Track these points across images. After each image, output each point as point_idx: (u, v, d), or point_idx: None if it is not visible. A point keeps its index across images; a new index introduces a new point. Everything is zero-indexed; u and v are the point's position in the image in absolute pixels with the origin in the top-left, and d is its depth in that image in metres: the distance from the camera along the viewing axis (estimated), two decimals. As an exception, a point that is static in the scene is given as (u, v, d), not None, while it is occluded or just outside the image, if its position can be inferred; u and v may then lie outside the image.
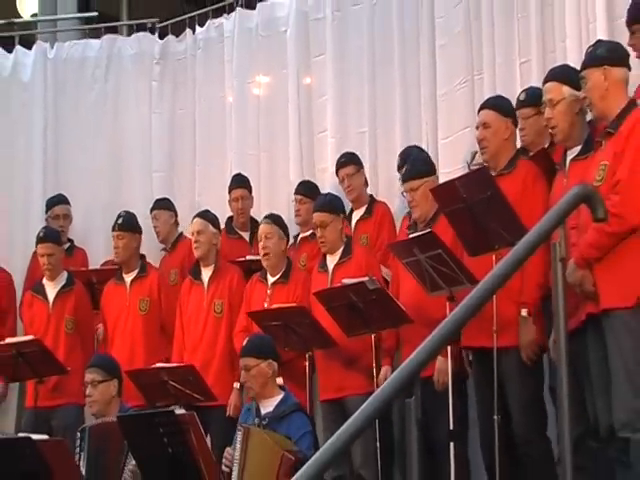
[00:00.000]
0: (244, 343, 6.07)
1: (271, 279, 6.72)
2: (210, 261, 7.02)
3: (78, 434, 5.81)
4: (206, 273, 7.02)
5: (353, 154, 7.35)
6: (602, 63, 4.86)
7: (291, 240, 7.18)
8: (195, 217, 7.15)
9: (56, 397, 7.18)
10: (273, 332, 6.19)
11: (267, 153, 8.32)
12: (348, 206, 7.16)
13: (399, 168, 6.78)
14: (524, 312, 5.38)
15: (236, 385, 6.61)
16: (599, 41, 5.24)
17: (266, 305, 6.56)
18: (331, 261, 6.49)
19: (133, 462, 5.43)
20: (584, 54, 5.13)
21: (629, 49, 5.30)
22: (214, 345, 6.87)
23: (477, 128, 5.78)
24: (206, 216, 7.14)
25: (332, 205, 6.57)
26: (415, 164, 6.18)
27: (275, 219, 6.80)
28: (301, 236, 7.37)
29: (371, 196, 7.32)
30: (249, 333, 6.45)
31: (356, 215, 7.18)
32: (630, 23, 5.43)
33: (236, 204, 7.80)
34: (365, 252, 6.62)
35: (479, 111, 5.84)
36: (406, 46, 7.68)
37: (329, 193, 6.91)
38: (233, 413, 6.57)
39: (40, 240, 7.51)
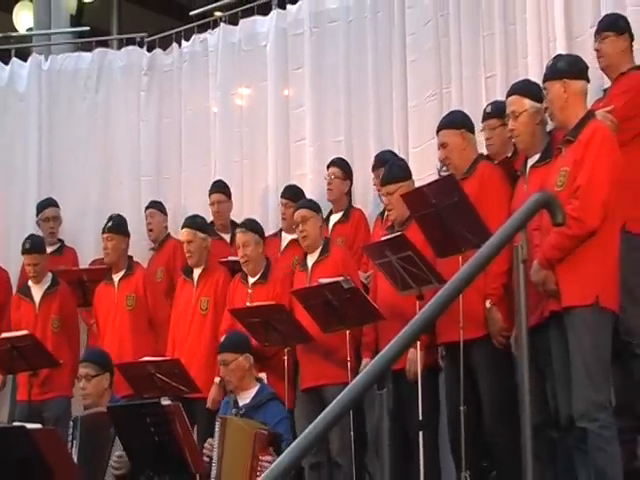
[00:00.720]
0: (222, 340, 6.12)
1: (251, 280, 6.74)
2: (202, 263, 7.05)
3: (71, 423, 5.82)
4: (196, 272, 7.06)
5: (346, 162, 7.38)
6: (562, 76, 4.90)
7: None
8: (183, 227, 7.15)
9: (46, 391, 7.20)
10: (254, 328, 6.22)
11: (249, 160, 8.34)
12: (325, 213, 7.18)
13: (373, 168, 6.86)
14: (488, 303, 5.40)
15: (216, 380, 6.61)
16: (559, 55, 5.30)
17: (248, 304, 6.58)
18: (310, 260, 6.52)
19: (118, 452, 5.43)
20: (545, 68, 5.17)
21: (591, 58, 5.34)
22: (199, 341, 6.88)
23: (438, 149, 5.83)
24: (194, 224, 7.13)
25: (312, 203, 6.67)
26: (392, 169, 6.22)
27: (250, 226, 6.79)
28: (289, 238, 7.34)
29: (350, 202, 7.34)
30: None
31: (334, 218, 7.20)
32: (602, 30, 5.43)
33: (213, 208, 7.84)
34: (342, 251, 6.64)
35: (437, 132, 5.86)
36: (379, 61, 7.72)
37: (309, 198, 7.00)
38: (212, 406, 6.57)
39: (25, 251, 7.54)
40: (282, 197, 7.46)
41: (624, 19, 5.49)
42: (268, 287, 6.67)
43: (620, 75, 5.36)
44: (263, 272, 6.73)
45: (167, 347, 6.97)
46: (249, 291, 6.70)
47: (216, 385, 6.62)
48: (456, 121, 5.82)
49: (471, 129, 5.80)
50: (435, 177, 6.29)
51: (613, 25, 5.43)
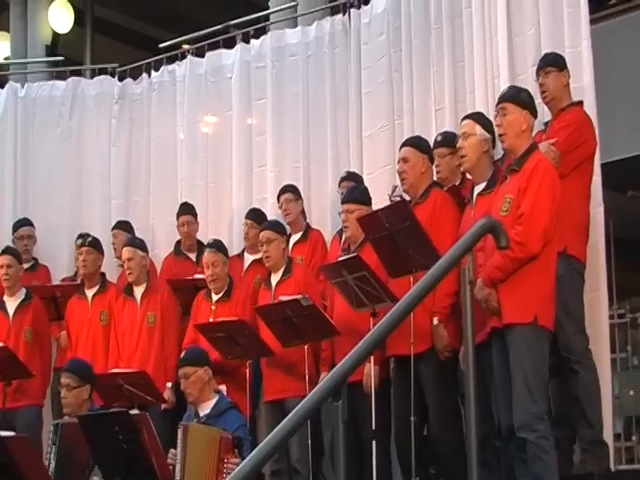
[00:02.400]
0: (182, 355, 6.12)
1: (215, 297, 6.76)
2: (142, 280, 7.09)
3: (51, 427, 5.78)
4: (139, 290, 7.09)
5: (294, 186, 7.44)
6: (526, 107, 4.99)
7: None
8: (124, 246, 7.20)
9: (19, 399, 7.10)
10: (218, 343, 6.23)
11: (214, 184, 8.33)
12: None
13: (341, 181, 6.97)
14: (435, 320, 5.45)
15: (169, 384, 6.74)
16: (517, 86, 5.37)
17: (211, 319, 6.58)
18: (274, 279, 6.54)
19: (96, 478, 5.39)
20: (505, 91, 5.21)
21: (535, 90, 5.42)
22: (149, 352, 6.93)
23: (398, 162, 5.90)
24: (133, 243, 7.22)
25: (277, 226, 6.70)
26: (355, 191, 6.28)
27: (218, 247, 6.81)
28: (252, 259, 7.37)
29: (307, 223, 7.38)
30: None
31: (293, 239, 7.21)
32: (546, 65, 5.52)
33: (182, 229, 7.84)
34: (304, 271, 6.65)
35: (400, 148, 5.96)
36: (336, 93, 7.79)
37: (275, 219, 7.02)
38: (168, 406, 6.67)
39: (1, 253, 7.48)
40: (246, 218, 7.47)
41: (563, 58, 5.59)
42: (231, 305, 6.69)
43: (561, 110, 5.43)
44: (226, 290, 6.75)
45: (109, 362, 6.97)
46: (213, 307, 6.71)
47: (169, 389, 6.74)
48: (423, 145, 5.90)
49: (432, 159, 5.87)
50: (385, 202, 6.35)
51: (555, 61, 5.53)
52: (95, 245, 7.37)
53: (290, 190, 7.36)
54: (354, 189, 6.36)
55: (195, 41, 8.95)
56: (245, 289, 6.94)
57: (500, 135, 5.04)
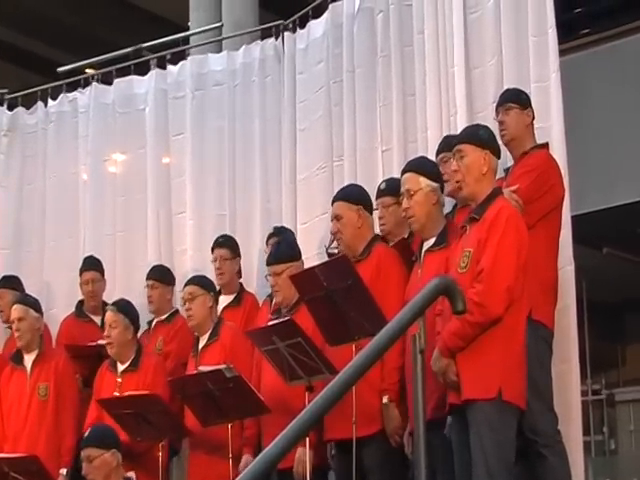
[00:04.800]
0: (86, 433, 6.10)
1: (120, 367, 6.75)
2: (33, 346, 7.08)
3: None
4: (29, 358, 7.07)
5: (233, 239, 7.36)
6: (485, 147, 5.07)
7: (144, 326, 7.24)
8: (15, 303, 7.19)
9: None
10: (125, 421, 6.21)
11: (123, 234, 8.33)
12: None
13: (269, 238, 7.01)
14: (385, 399, 5.49)
15: (62, 471, 6.69)
16: (477, 124, 5.48)
17: (116, 394, 6.58)
18: (200, 343, 6.51)
19: None
20: (461, 132, 5.35)
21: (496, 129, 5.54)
22: (39, 430, 6.90)
23: (332, 220, 5.96)
24: (26, 301, 7.21)
25: (203, 280, 6.69)
26: (280, 248, 6.31)
27: (121, 307, 6.82)
28: (156, 320, 7.39)
29: (240, 284, 7.30)
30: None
31: (223, 301, 7.11)
32: (506, 102, 5.62)
33: (86, 287, 7.81)
34: (232, 334, 6.52)
35: (332, 203, 6.01)
36: (267, 129, 7.89)
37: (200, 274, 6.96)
38: None
39: None
40: (148, 278, 7.47)
41: (526, 95, 5.70)
42: (139, 376, 6.67)
43: (523, 154, 5.51)
44: (134, 359, 6.74)
45: None
46: (118, 380, 6.70)
47: (62, 477, 6.70)
48: (353, 195, 5.95)
49: (368, 207, 5.93)
50: (323, 256, 6.42)
51: (518, 98, 5.63)
52: None
53: (227, 245, 7.26)
54: (279, 245, 6.40)
55: (101, 65, 9.03)
56: (157, 357, 6.95)
57: (457, 182, 5.11)
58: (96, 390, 6.81)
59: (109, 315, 6.77)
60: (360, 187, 6.12)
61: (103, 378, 6.83)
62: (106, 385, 6.76)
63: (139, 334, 7.06)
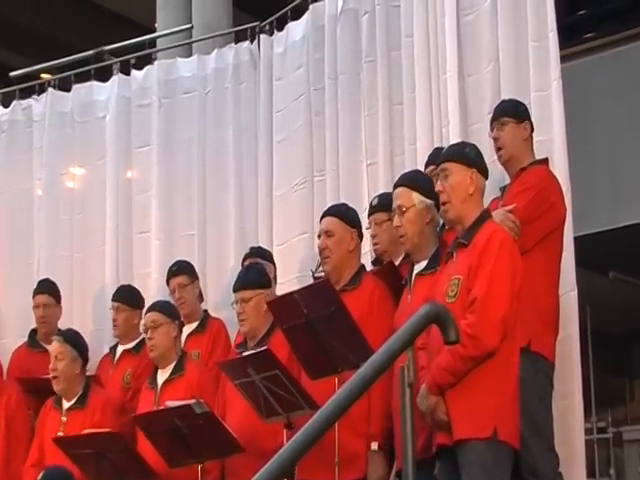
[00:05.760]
0: (40, 476, 6.10)
1: (66, 404, 6.74)
2: None
3: None
4: None
5: (187, 263, 7.38)
6: (472, 165, 5.09)
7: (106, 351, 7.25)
8: None
9: None
10: (83, 462, 6.20)
11: (81, 254, 8.36)
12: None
13: (244, 259, 7.02)
14: (374, 446, 5.49)
15: None
16: (463, 142, 5.51)
17: (60, 434, 6.55)
18: (161, 377, 6.48)
19: None
20: (446, 149, 5.36)
21: (486, 148, 5.51)
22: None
23: (319, 236, 5.95)
24: None
25: (167, 307, 6.66)
26: (249, 273, 6.30)
27: (68, 337, 6.83)
28: (122, 349, 7.40)
29: (205, 310, 7.35)
30: (41, 468, 6.45)
31: (187, 329, 7.11)
32: (501, 115, 5.63)
33: (38, 311, 7.82)
34: (199, 370, 6.58)
35: (322, 218, 6.01)
36: (241, 141, 7.94)
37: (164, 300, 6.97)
38: None
39: None
40: (113, 300, 7.47)
41: (524, 106, 5.72)
42: (85, 414, 6.66)
43: (521, 170, 5.51)
44: (80, 395, 6.74)
45: None
46: (63, 419, 6.70)
47: None
48: (349, 216, 5.96)
49: (361, 235, 5.96)
50: (302, 280, 6.42)
51: (513, 110, 5.63)
52: None
53: (183, 272, 7.29)
54: (248, 270, 6.40)
55: (58, 70, 9.04)
56: (106, 393, 6.95)
57: (443, 204, 5.11)
58: (39, 430, 6.80)
59: (55, 346, 6.76)
60: (355, 211, 6.12)
61: (47, 416, 6.82)
62: (50, 424, 6.74)
63: (98, 360, 7.07)
